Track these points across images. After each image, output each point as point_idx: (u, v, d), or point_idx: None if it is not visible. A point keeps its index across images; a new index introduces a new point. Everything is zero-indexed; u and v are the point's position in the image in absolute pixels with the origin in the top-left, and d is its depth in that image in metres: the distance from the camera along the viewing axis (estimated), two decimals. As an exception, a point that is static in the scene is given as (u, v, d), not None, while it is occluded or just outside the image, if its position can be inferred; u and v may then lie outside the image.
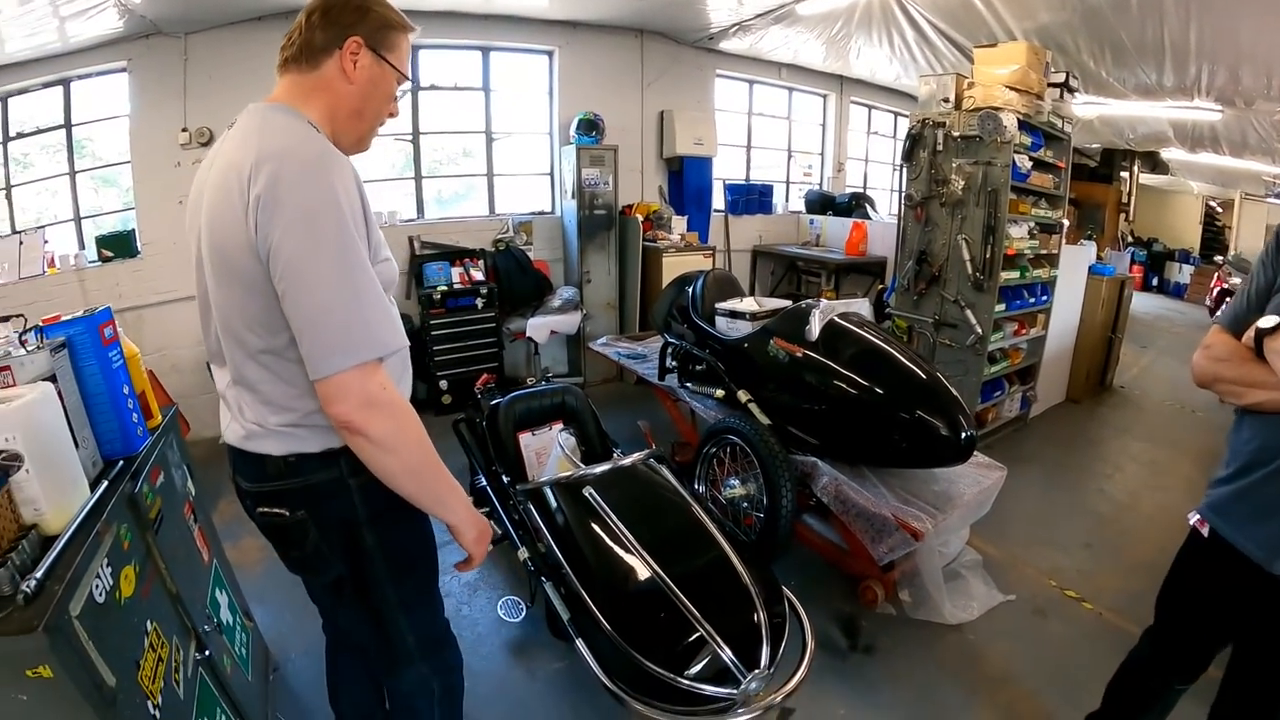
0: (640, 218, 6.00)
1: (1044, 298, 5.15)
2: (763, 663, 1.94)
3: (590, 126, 5.74)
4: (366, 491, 1.39)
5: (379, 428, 1.22)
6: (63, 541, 1.26)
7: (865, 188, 8.98)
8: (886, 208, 8.56)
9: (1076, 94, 4.98)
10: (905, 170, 4.79)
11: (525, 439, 3.28)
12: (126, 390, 1.68)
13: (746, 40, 6.31)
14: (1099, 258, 6.40)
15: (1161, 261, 13.92)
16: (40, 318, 1.60)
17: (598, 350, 4.92)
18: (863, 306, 3.35)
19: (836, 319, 3.05)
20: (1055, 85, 4.59)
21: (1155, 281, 13.86)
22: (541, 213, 6.30)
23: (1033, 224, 4.73)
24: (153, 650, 1.47)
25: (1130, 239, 12.88)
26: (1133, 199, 9.66)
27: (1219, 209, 14.23)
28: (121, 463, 1.64)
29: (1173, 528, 3.92)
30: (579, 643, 2.15)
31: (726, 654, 1.93)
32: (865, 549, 2.91)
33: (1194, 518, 1.68)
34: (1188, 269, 13.60)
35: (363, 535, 1.43)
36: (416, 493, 1.33)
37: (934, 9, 4.88)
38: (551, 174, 6.31)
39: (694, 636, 1.99)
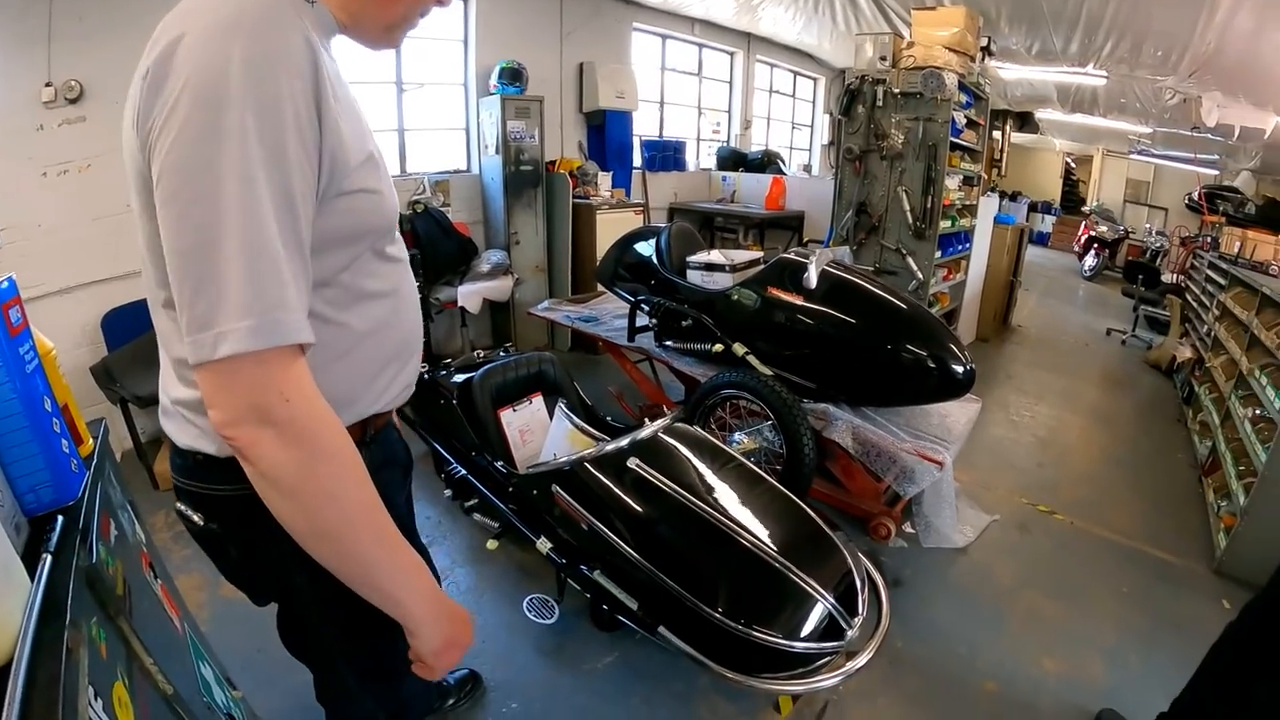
0: (565, 173, 6.03)
1: (966, 245, 5.73)
2: (861, 608, 2.05)
3: (514, 76, 5.66)
4: None
5: (271, 457, 0.83)
6: (20, 681, 0.76)
7: (768, 144, 9.42)
8: (789, 164, 9.04)
9: (994, 57, 5.50)
10: (843, 124, 5.14)
11: (506, 416, 3.11)
12: (49, 405, 1.15)
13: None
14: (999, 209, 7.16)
15: (1027, 213, 15.45)
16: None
17: (541, 316, 4.87)
18: (844, 254, 3.63)
19: (829, 267, 3.32)
20: (981, 49, 5.09)
21: (1021, 231, 15.56)
22: (458, 171, 6.18)
23: (961, 177, 5.23)
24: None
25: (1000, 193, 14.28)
26: (1005, 156, 10.69)
27: (1074, 165, 16.01)
28: (61, 519, 1.10)
29: (1097, 445, 4.70)
30: (663, 631, 2.07)
31: (833, 605, 1.99)
32: (870, 488, 3.25)
33: None
34: (1050, 219, 15.21)
35: (289, 572, 1.14)
36: (340, 569, 0.93)
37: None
38: (467, 129, 6.18)
39: (799, 595, 2.01)
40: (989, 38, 5.19)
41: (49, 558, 1.00)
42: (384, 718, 1.47)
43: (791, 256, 3.41)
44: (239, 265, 0.78)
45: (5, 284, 1.14)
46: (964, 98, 4.90)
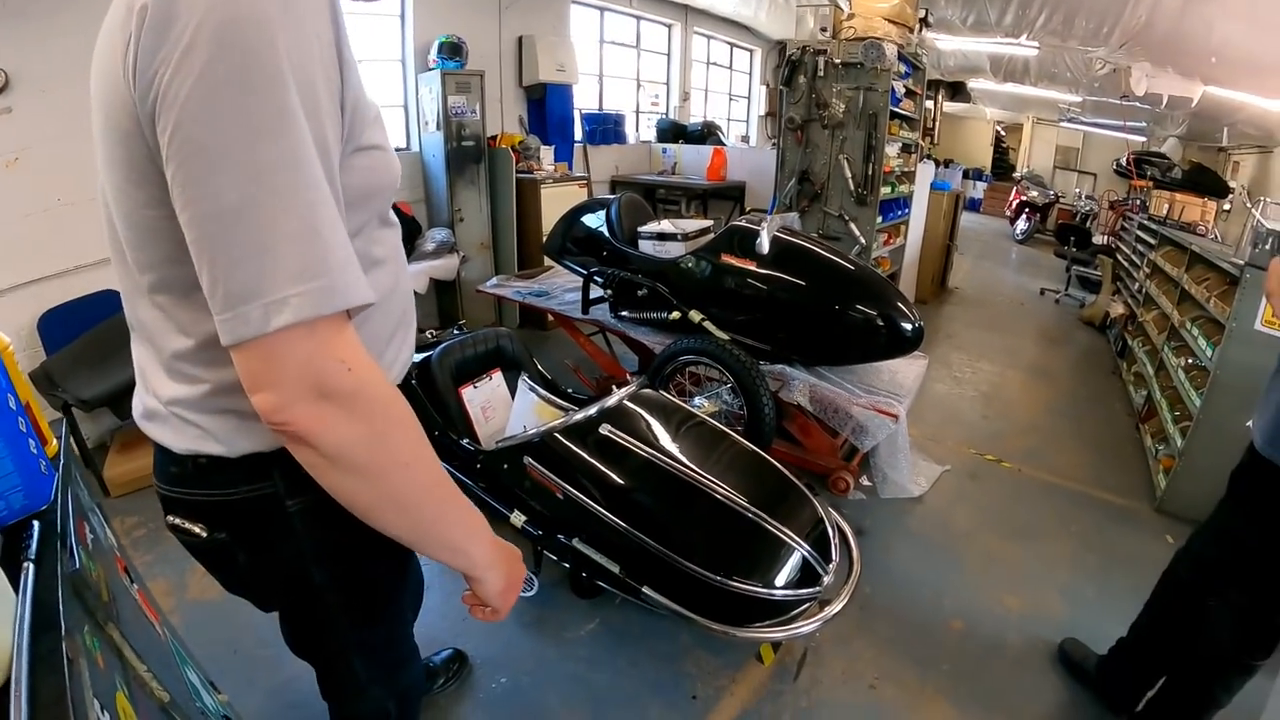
0: (508, 149, 6.00)
1: (905, 210, 5.92)
2: (834, 554, 2.16)
3: (454, 50, 5.60)
4: (313, 517, 1.01)
5: (338, 435, 0.76)
6: (24, 700, 0.70)
7: (706, 115, 9.51)
8: (728, 135, 9.15)
9: (931, 28, 5.67)
10: (785, 95, 5.23)
11: (468, 393, 3.07)
12: (13, 404, 1.05)
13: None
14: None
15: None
16: None
17: (490, 292, 4.86)
18: (794, 219, 3.73)
19: (780, 232, 3.42)
20: (919, 21, 5.24)
21: (955, 198, 16.10)
22: (398, 149, 6.09)
23: (900, 144, 5.40)
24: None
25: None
26: (937, 124, 11.00)
27: (1004, 132, 16.53)
28: (38, 524, 1.02)
29: (1037, 397, 4.96)
30: (647, 592, 2.11)
31: (808, 552, 2.08)
32: (827, 444, 3.38)
33: None
34: (981, 186, 15.69)
35: (308, 571, 1.09)
36: (408, 534, 0.88)
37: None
38: (406, 105, 6.09)
39: (775, 544, 2.09)
40: (926, 9, 5.35)
41: (31, 566, 0.91)
42: (392, 706, 1.43)
43: (744, 224, 3.49)
44: (289, 226, 0.70)
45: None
46: (903, 68, 5.04)
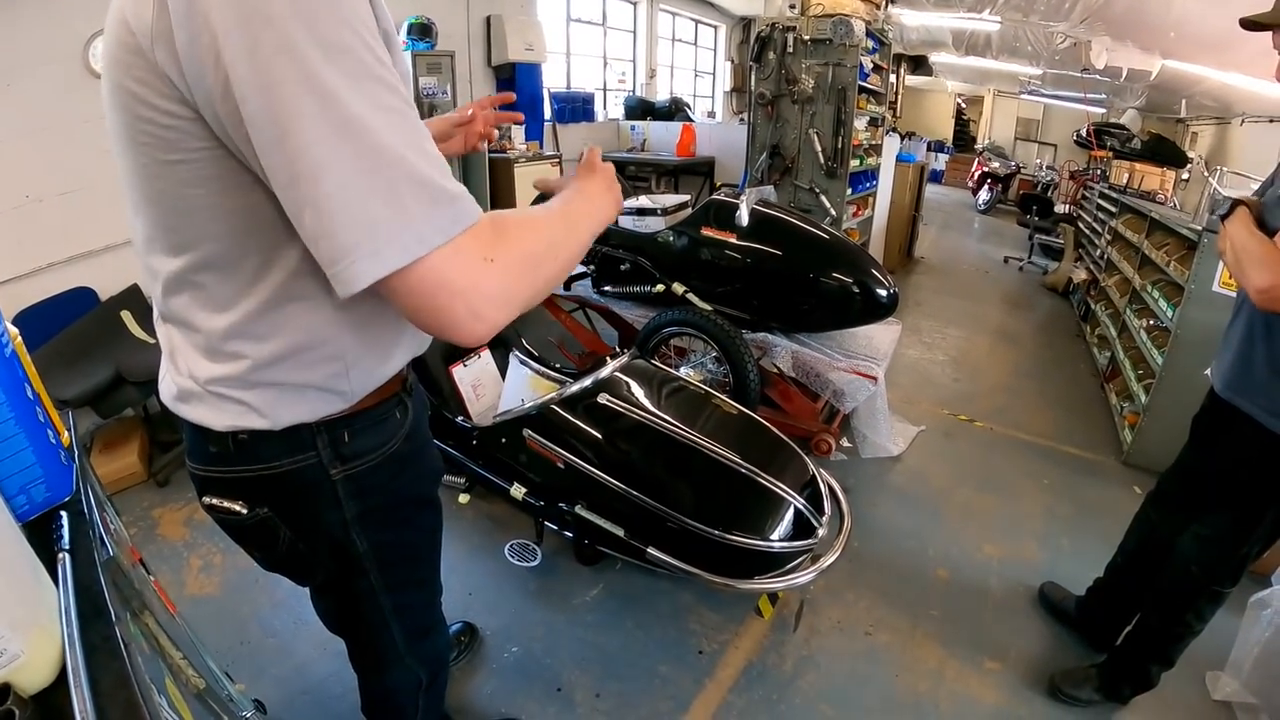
0: (479, 129, 5.99)
1: (873, 182, 6.05)
2: (826, 507, 2.28)
3: (424, 31, 5.59)
4: (355, 484, 1.07)
5: (507, 293, 0.80)
6: (86, 691, 0.69)
7: (672, 92, 9.56)
8: (695, 111, 9.22)
9: (896, 3, 5.77)
10: (754, 71, 5.30)
11: (458, 372, 3.18)
12: (31, 394, 1.02)
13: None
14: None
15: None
16: None
17: (469, 272, 4.93)
18: (770, 192, 3.82)
19: (758, 205, 3.51)
20: (884, -3, 5.34)
21: (918, 169, 16.34)
22: (368, 132, 6.08)
23: (868, 118, 5.51)
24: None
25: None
26: (899, 97, 11.16)
27: (965, 105, 16.77)
28: (65, 515, 1.00)
29: (1005, 360, 5.14)
30: (652, 552, 2.19)
31: (802, 504, 2.19)
32: (808, 408, 3.50)
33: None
34: (943, 157, 15.93)
35: (351, 539, 1.13)
36: (576, 255, 0.97)
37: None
38: (374, 89, 6.07)
39: (772, 498, 2.19)
40: (890, -16, 5.47)
41: (67, 556, 0.90)
42: (424, 673, 1.45)
43: (722, 198, 3.58)
44: (408, 163, 0.72)
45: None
46: (870, 43, 5.14)
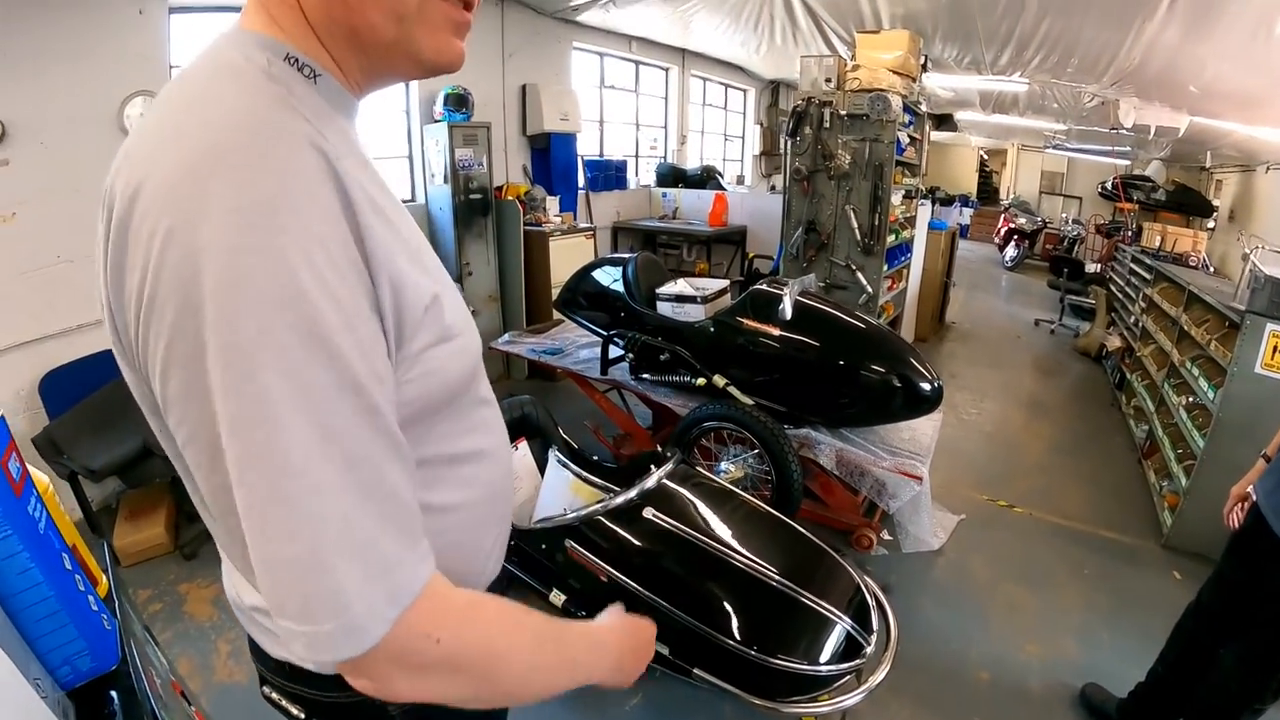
0: (513, 199, 6.05)
1: (907, 255, 6.04)
2: (874, 624, 2.25)
3: (460, 102, 5.66)
4: (418, 713, 0.95)
5: (440, 691, 0.72)
6: None
7: (703, 158, 9.66)
8: (725, 174, 9.32)
9: (928, 72, 5.81)
10: (790, 145, 5.34)
11: None
12: (69, 562, 1.00)
13: (606, 13, 6.53)
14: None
15: (945, 206, 16.22)
16: None
17: (501, 350, 4.89)
18: (811, 282, 3.81)
19: (801, 298, 3.49)
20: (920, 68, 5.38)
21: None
22: (404, 201, 6.13)
23: (904, 191, 5.51)
24: None
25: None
26: (925, 156, 11.23)
27: (988, 156, 16.85)
28: (115, 695, 0.99)
29: (1040, 435, 5.05)
30: (698, 672, 2.17)
31: (849, 625, 2.17)
32: (849, 501, 3.46)
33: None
34: (968, 211, 15.93)
35: None
36: (536, 696, 0.82)
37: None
38: (410, 156, 6.14)
39: (817, 620, 2.17)
40: (925, 55, 5.49)
41: None
42: None
43: (765, 289, 3.59)
44: (316, 544, 0.60)
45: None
46: (907, 117, 5.17)
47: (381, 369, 0.66)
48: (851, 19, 5.60)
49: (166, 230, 0.57)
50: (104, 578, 1.21)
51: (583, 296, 4.34)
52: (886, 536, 3.65)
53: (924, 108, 5.79)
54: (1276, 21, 3.85)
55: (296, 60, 0.71)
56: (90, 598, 1.03)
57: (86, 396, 3.51)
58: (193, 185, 0.58)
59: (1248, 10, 3.86)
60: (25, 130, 3.52)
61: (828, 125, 5.07)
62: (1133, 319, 6.38)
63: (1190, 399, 4.08)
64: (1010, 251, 13.37)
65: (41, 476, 1.08)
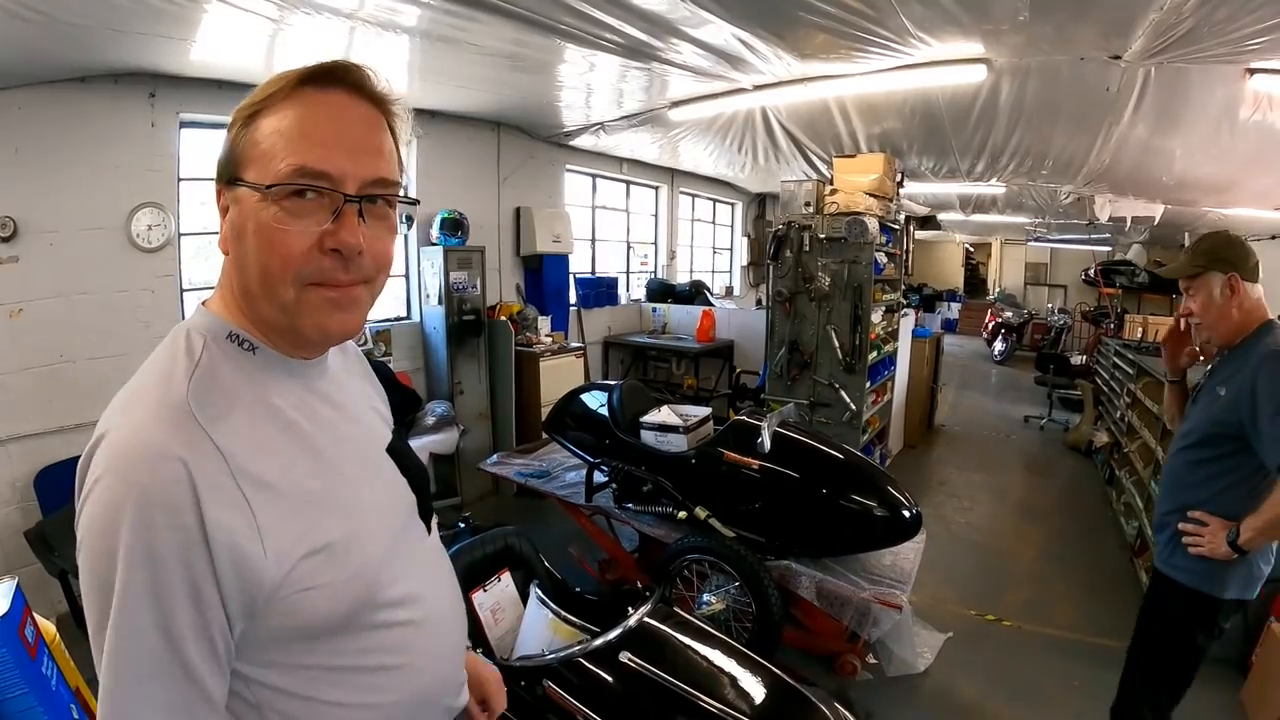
0: (505, 319, 6.21)
1: (891, 367, 6.14)
2: None
3: (455, 226, 5.86)
4: None
5: None
6: None
7: (692, 271, 10.02)
8: (713, 285, 9.66)
9: (903, 186, 6.05)
10: (772, 269, 5.51)
11: (479, 598, 3.06)
12: (76, 711, 1.06)
13: (597, 138, 6.85)
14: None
15: (933, 303, 16.51)
16: None
17: (490, 471, 4.91)
18: (790, 412, 3.90)
19: (780, 429, 3.57)
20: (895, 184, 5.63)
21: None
22: (399, 319, 6.28)
23: (884, 308, 5.66)
24: None
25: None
26: (910, 257, 11.54)
27: (973, 250, 17.28)
28: None
29: (1030, 542, 5.04)
30: None
31: None
32: (832, 627, 3.47)
33: None
34: (955, 306, 16.24)
35: None
36: None
37: (795, 119, 5.69)
38: (407, 275, 6.29)
39: None
40: (902, 172, 5.74)
41: None
42: None
43: (745, 419, 3.70)
44: None
45: (12, 600, 1.03)
46: (884, 238, 5.36)
47: (189, 633, 0.78)
48: (830, 142, 5.91)
49: (82, 492, 0.81)
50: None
51: (570, 419, 4.43)
52: (871, 660, 3.64)
53: (903, 216, 5.99)
54: (1239, 110, 4.11)
55: (237, 337, 0.90)
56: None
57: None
58: (93, 472, 0.81)
59: (1211, 102, 4.12)
60: (36, 230, 3.65)
61: (808, 249, 5.27)
62: (1119, 414, 6.45)
63: (1178, 498, 4.09)
64: (998, 345, 13.61)
65: (49, 626, 1.18)
